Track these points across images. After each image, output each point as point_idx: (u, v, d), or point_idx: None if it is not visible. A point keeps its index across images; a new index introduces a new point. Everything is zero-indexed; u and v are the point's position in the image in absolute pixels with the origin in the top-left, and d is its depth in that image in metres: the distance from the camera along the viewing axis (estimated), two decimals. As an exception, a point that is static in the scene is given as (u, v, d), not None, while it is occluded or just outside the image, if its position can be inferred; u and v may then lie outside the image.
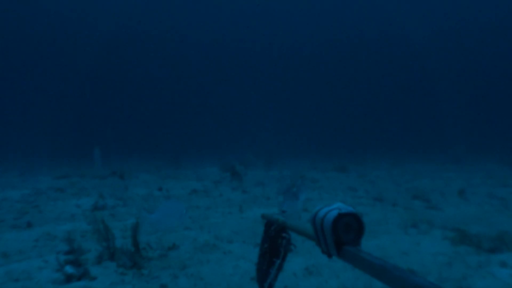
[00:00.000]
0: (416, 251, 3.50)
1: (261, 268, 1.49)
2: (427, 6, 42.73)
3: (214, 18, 47.07)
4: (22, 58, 43.63)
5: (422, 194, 6.24)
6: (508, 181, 8.32)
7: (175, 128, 35.63)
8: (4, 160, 15.36)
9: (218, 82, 47.78)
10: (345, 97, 43.40)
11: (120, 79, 46.22)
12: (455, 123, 28.66)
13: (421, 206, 5.61)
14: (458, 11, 42.14)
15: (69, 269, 2.84)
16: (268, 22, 47.50)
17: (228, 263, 3.17)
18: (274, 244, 1.46)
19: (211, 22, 47.23)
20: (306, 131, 31.68)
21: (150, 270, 2.98)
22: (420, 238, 3.92)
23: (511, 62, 39.38)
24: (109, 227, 3.28)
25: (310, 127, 34.60)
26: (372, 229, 4.19)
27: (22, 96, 42.49)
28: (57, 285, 2.71)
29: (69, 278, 2.77)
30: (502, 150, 15.54)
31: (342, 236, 0.92)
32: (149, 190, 7.07)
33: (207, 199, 6.30)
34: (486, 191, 6.89)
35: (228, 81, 47.84)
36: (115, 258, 3.12)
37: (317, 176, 9.40)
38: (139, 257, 3.11)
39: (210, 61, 48.50)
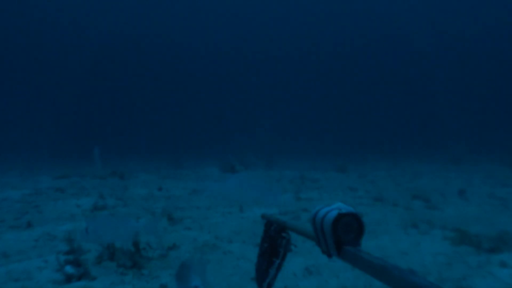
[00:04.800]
0: (416, 251, 3.50)
1: (260, 268, 1.49)
2: (428, 6, 42.73)
3: (214, 17, 47.07)
4: (22, 58, 43.65)
5: (422, 194, 6.24)
6: (508, 181, 8.32)
7: (175, 128, 35.63)
8: (4, 160, 15.36)
9: (218, 82, 47.78)
10: (345, 97, 43.40)
11: (120, 79, 46.23)
12: (455, 123, 28.65)
13: (421, 206, 5.61)
14: (458, 11, 42.14)
15: (69, 269, 2.84)
16: (267, 22, 47.49)
17: (228, 263, 3.17)
18: (274, 244, 1.46)
19: (210, 22, 47.23)
20: (306, 131, 31.67)
21: (150, 270, 2.98)
22: (420, 238, 3.92)
23: (511, 62, 39.37)
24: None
25: (310, 127, 34.59)
26: (372, 229, 4.19)
27: (22, 96, 42.50)
28: (57, 285, 2.71)
29: (69, 278, 2.77)
30: (502, 150, 15.52)
31: (342, 236, 0.92)
32: (149, 190, 7.07)
33: (207, 199, 6.30)
34: (486, 191, 6.89)
35: (228, 81, 47.84)
36: (115, 258, 3.12)
37: (317, 176, 9.40)
38: (139, 257, 3.11)
39: (210, 61, 48.51)
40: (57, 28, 42.95)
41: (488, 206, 5.64)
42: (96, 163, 10.33)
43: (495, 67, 40.66)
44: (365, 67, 46.12)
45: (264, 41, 48.04)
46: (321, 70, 47.50)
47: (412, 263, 3.13)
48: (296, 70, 47.61)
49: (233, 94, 45.64)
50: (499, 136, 22.23)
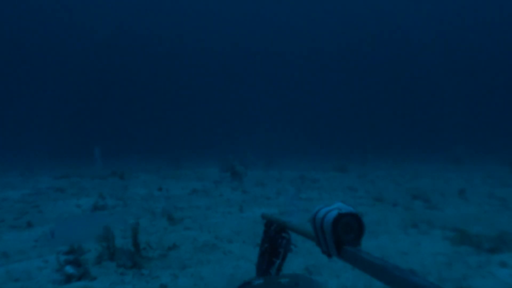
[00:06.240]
0: (416, 251, 3.50)
1: (261, 268, 1.49)
2: (428, 5, 42.73)
3: (213, 18, 47.07)
4: (22, 58, 43.65)
5: (422, 194, 6.24)
6: (508, 181, 8.32)
7: (175, 128, 35.64)
8: (4, 160, 15.36)
9: (218, 82, 47.78)
10: (345, 97, 43.40)
11: (120, 79, 46.22)
12: (455, 123, 28.64)
13: (421, 206, 5.61)
14: (458, 11, 42.14)
15: (69, 269, 2.84)
16: (266, 22, 47.48)
17: (228, 263, 3.17)
18: (274, 244, 1.46)
19: (210, 22, 47.22)
20: (306, 131, 31.68)
21: (150, 270, 2.98)
22: (420, 238, 3.92)
23: (511, 62, 39.37)
24: (109, 227, 3.28)
25: (310, 127, 34.59)
26: (372, 229, 4.19)
27: (22, 96, 42.49)
28: (57, 285, 2.71)
29: (69, 278, 2.76)
30: (502, 150, 15.54)
31: (342, 236, 0.92)
32: (149, 190, 7.07)
33: (207, 199, 6.30)
34: (486, 191, 6.89)
35: (228, 81, 47.84)
36: (115, 258, 3.12)
37: (317, 176, 9.40)
38: (139, 257, 3.11)
39: (210, 61, 48.51)
40: (58, 28, 42.94)
41: (488, 206, 5.63)
42: (96, 163, 10.33)
43: (495, 68, 40.66)
44: (365, 67, 46.12)
45: (264, 41, 48.04)
46: (322, 70, 47.51)
47: (412, 263, 3.13)
48: (297, 70, 47.61)
49: (233, 95, 45.65)
50: (499, 136, 22.25)
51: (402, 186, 7.81)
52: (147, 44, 47.15)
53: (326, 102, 42.97)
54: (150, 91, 46.13)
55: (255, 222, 4.57)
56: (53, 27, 42.67)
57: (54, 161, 15.17)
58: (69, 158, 16.76)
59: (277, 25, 47.55)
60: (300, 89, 46.03)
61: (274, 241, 1.45)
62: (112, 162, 12.39)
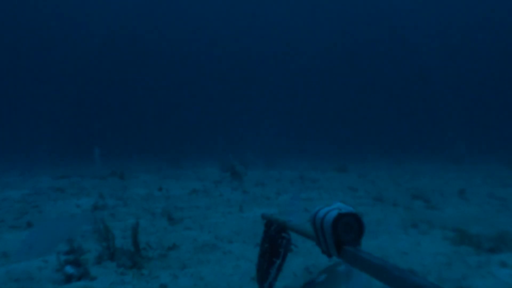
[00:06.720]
0: (416, 251, 3.50)
1: (261, 268, 1.49)
2: (427, 5, 42.74)
3: (213, 17, 47.06)
4: (22, 58, 43.64)
5: (422, 194, 6.24)
6: (508, 181, 8.32)
7: (175, 128, 35.62)
8: (4, 160, 15.37)
9: (218, 82, 47.76)
10: (345, 97, 43.38)
11: (120, 79, 46.21)
12: (455, 123, 28.64)
13: (421, 206, 5.61)
14: (458, 11, 42.15)
15: (69, 269, 2.84)
16: (267, 22, 47.49)
17: (228, 263, 3.17)
18: (274, 244, 1.46)
19: (209, 21, 47.21)
20: (306, 131, 31.68)
21: (150, 270, 2.98)
22: (420, 238, 3.92)
23: (511, 62, 39.35)
24: (109, 227, 3.28)
25: (310, 127, 34.60)
26: (372, 229, 4.19)
27: (22, 96, 42.48)
28: (57, 285, 2.71)
29: (69, 278, 2.77)
30: (502, 150, 15.53)
31: (342, 236, 0.92)
32: (149, 190, 7.07)
33: (207, 199, 6.30)
34: (486, 191, 6.89)
35: (228, 81, 47.82)
36: (115, 258, 3.12)
37: (317, 176, 9.40)
38: (139, 257, 3.11)
39: (210, 61, 48.50)
40: (57, 28, 42.94)
41: (488, 206, 5.63)
42: (96, 163, 10.34)
43: (494, 67, 40.66)
44: (365, 67, 46.11)
45: (264, 41, 48.04)
46: (321, 70, 47.49)
47: (412, 263, 3.13)
48: (296, 69, 47.60)
49: (233, 94, 45.64)
50: (499, 136, 22.25)
51: (402, 186, 7.81)
52: (148, 44, 47.14)
53: (326, 102, 42.96)
54: (150, 91, 46.12)
55: (255, 222, 4.57)
56: (52, 26, 42.66)
57: (54, 161, 15.18)
58: (69, 158, 16.76)
59: (277, 25, 47.54)
60: (300, 88, 46.02)
61: (274, 241, 1.45)
62: (112, 162, 12.39)
